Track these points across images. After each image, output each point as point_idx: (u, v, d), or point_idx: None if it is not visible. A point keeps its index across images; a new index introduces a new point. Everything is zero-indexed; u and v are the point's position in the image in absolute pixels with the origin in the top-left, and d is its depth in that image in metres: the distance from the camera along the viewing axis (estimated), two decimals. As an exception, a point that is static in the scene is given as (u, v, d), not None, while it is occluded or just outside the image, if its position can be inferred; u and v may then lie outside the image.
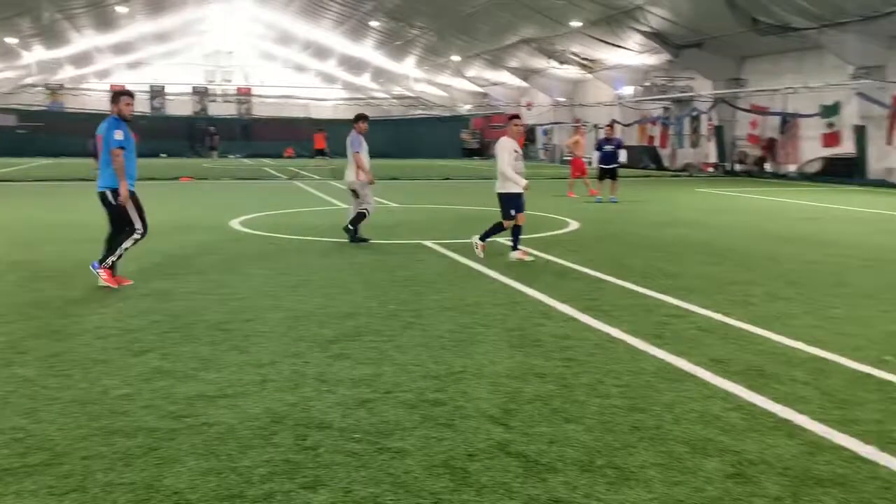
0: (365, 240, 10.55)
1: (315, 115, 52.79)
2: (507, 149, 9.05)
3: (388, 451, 3.62)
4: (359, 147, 10.47)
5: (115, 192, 7.25)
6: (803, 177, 26.79)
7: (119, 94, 7.49)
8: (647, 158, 34.97)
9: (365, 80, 57.81)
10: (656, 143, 36.51)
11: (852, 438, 3.83)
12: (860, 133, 24.66)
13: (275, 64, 59.79)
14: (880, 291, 7.51)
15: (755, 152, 30.17)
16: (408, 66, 49.10)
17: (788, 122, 28.04)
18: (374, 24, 39.39)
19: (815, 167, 26.97)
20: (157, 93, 55.59)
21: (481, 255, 9.22)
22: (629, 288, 7.61)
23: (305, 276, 8.16)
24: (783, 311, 6.65)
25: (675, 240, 11.32)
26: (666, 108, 35.19)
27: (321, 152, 33.22)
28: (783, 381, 4.72)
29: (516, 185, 9.01)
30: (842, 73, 24.54)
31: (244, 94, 58.67)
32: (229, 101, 57.96)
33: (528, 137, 48.69)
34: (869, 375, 4.86)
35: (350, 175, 10.57)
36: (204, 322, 6.10)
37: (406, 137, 50.68)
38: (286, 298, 7.01)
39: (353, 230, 10.53)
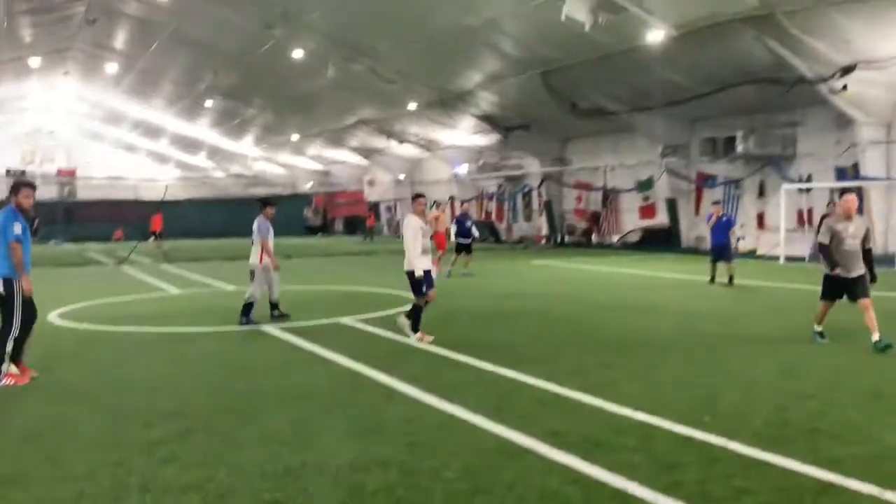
0: (286, 315, 10.93)
1: (146, 196, 50.38)
2: (411, 227, 9.00)
3: (219, 565, 3.37)
4: (266, 233, 10.70)
5: (9, 281, 7.00)
6: (626, 246, 28.85)
7: (20, 186, 7.27)
8: (486, 232, 36.34)
9: (200, 159, 56.34)
10: (493, 217, 38.09)
11: (678, 502, 4.04)
12: (672, 205, 27.07)
13: (102, 144, 56.96)
14: (695, 354, 8.11)
15: (582, 225, 32.24)
16: (246, 144, 48.50)
17: (609, 196, 30.30)
18: (209, 103, 38.74)
19: (635, 237, 29.17)
20: (-36, 175, 50.94)
21: (430, 340, 8.86)
22: (470, 363, 7.72)
23: (130, 372, 7.60)
24: (613, 378, 7.00)
25: (513, 312, 11.70)
26: (500, 185, 36.98)
27: (157, 234, 31.82)
28: (615, 449, 4.93)
29: (420, 263, 8.89)
30: (652, 152, 27.01)
31: (67, 176, 55.15)
32: (50, 184, 54.18)
33: (373, 213, 49.26)
34: (690, 438, 5.18)
35: (253, 258, 10.70)
36: (9, 433, 5.49)
37: (245, 216, 49.12)
38: (107, 398, 6.47)
39: (270, 313, 10.89)
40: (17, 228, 6.98)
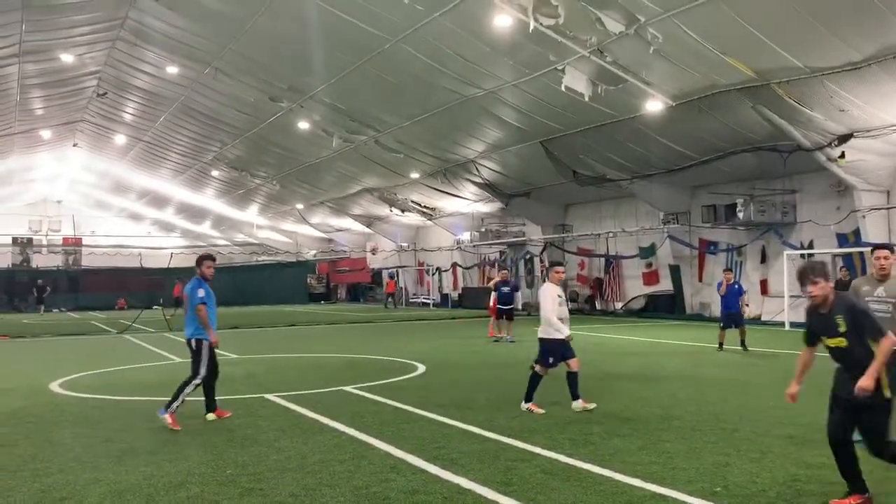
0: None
1: (149, 264, 50.62)
2: (549, 295, 9.03)
3: None
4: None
5: (198, 342, 8.55)
6: (629, 313, 28.72)
7: (202, 259, 8.90)
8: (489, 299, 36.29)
9: (205, 227, 56.81)
10: (496, 284, 38.07)
11: (693, 577, 3.92)
12: (675, 272, 27.08)
13: (108, 213, 57.58)
14: (704, 422, 7.99)
15: (585, 291, 32.19)
16: (251, 213, 48.96)
17: (612, 262, 30.36)
18: (215, 173, 39.33)
19: (639, 304, 29.07)
20: (-30, 244, 51.32)
21: (541, 412, 8.67)
22: (476, 432, 7.62)
23: (132, 442, 7.50)
24: (621, 447, 6.89)
25: (517, 380, 11.50)
26: (502, 252, 37.10)
27: (179, 301, 32.67)
28: (626, 522, 4.81)
29: (558, 332, 8.91)
30: (654, 218, 27.20)
31: (72, 245, 55.54)
32: (55, 252, 54.54)
33: (375, 280, 49.27)
34: (702, 509, 5.07)
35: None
36: (8, 505, 5.39)
37: (249, 284, 49.72)
38: (108, 470, 6.37)
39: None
40: (201, 293, 8.52)
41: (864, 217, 20.12)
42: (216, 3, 19.42)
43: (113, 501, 5.44)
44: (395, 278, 44.01)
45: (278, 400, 9.86)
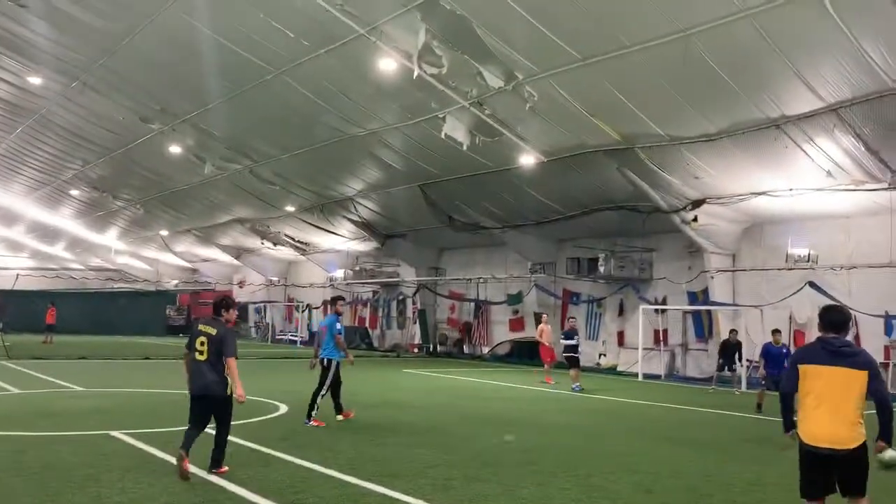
0: None
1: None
2: None
3: None
4: None
5: (329, 361, 11.00)
6: (495, 358, 29.29)
7: (336, 299, 11.80)
8: (359, 338, 35.96)
9: (58, 249, 53.09)
10: (367, 324, 37.83)
11: None
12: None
13: (-53, 226, 52.67)
14: (560, 468, 8.22)
15: (454, 334, 32.58)
16: (110, 237, 46.27)
17: (481, 307, 30.97)
18: (74, 192, 36.97)
19: (505, 349, 29.73)
20: None
21: None
22: (336, 476, 7.46)
23: (-47, 481, 6.79)
24: (480, 492, 6.95)
25: (383, 422, 11.49)
26: (375, 292, 37.00)
27: (52, 328, 31.17)
28: (481, 568, 4.84)
29: None
30: (522, 267, 28.08)
31: None
32: None
33: (241, 315, 47.64)
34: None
35: None
36: None
37: (103, 312, 46.71)
38: (-78, 513, 5.73)
39: None
40: (339, 326, 11.22)
41: (712, 278, 21.68)
42: (89, 16, 18.47)
43: (-77, 549, 4.88)
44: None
45: (125, 437, 9.25)
